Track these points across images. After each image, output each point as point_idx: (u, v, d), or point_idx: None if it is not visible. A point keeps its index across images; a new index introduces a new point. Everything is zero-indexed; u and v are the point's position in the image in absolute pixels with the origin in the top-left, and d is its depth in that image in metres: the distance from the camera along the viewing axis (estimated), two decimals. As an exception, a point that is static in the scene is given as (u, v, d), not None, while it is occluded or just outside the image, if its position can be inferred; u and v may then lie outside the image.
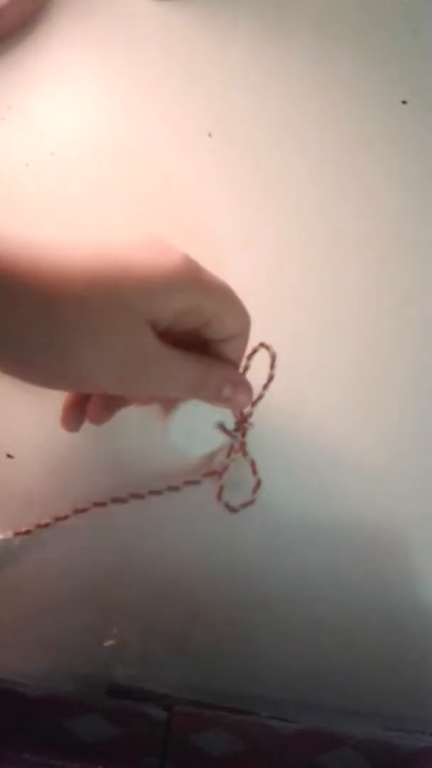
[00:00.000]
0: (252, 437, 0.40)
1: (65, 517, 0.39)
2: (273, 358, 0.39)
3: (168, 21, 0.46)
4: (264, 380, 0.39)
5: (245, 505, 0.39)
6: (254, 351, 0.39)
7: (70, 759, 0.32)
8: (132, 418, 0.41)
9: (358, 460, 0.41)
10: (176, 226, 0.43)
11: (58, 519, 0.39)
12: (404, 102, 0.45)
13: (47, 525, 0.39)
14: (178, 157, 0.44)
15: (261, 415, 0.41)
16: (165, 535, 0.40)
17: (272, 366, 0.39)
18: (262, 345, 0.39)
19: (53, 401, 0.41)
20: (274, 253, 0.43)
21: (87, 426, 0.41)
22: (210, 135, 0.44)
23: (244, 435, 0.39)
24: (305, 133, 0.45)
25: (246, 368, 0.39)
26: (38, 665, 0.37)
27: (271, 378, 0.39)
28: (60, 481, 0.40)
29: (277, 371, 0.41)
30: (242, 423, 0.39)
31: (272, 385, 0.40)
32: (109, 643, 0.37)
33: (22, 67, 0.45)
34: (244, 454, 0.39)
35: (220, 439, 0.39)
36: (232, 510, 0.39)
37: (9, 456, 0.41)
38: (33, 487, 0.40)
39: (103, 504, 0.39)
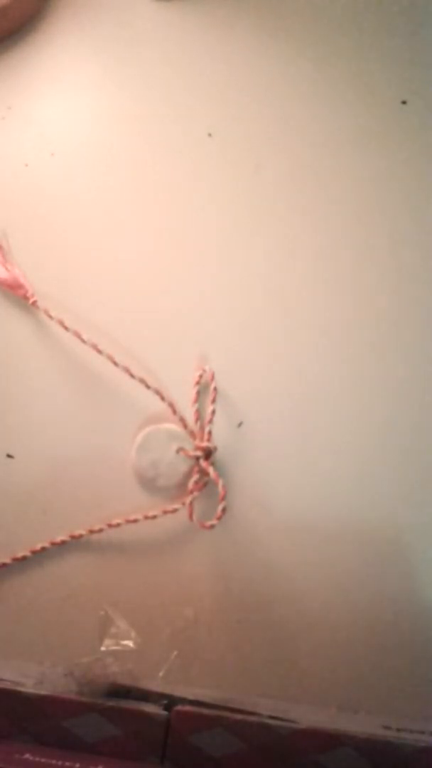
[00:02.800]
0: (249, 443, 0.41)
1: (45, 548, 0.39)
2: (212, 377, 0.41)
3: (168, 21, 0.46)
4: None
5: (211, 526, 0.39)
6: (200, 376, 0.41)
7: (70, 759, 0.31)
8: (132, 420, 0.41)
9: (358, 461, 0.41)
10: (176, 226, 0.43)
11: (53, 543, 0.39)
12: (404, 102, 0.45)
13: (43, 549, 0.39)
14: (178, 157, 0.44)
15: (259, 416, 0.41)
16: (166, 538, 0.40)
17: (212, 381, 0.41)
18: (201, 370, 0.41)
19: (53, 401, 0.41)
20: (273, 252, 0.43)
21: (87, 426, 0.41)
22: (210, 135, 0.44)
23: (208, 458, 0.39)
24: (305, 133, 0.45)
25: (197, 394, 0.40)
26: (38, 665, 0.37)
27: (215, 392, 0.40)
28: (60, 481, 0.40)
29: (283, 373, 0.41)
30: (204, 448, 0.39)
31: (272, 390, 0.40)
32: (109, 643, 0.37)
33: (22, 67, 0.45)
34: (206, 475, 0.39)
35: (184, 466, 0.40)
36: (208, 528, 0.39)
37: (9, 456, 0.41)
38: (33, 487, 0.40)
39: (79, 536, 0.39)
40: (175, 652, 0.38)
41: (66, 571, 0.39)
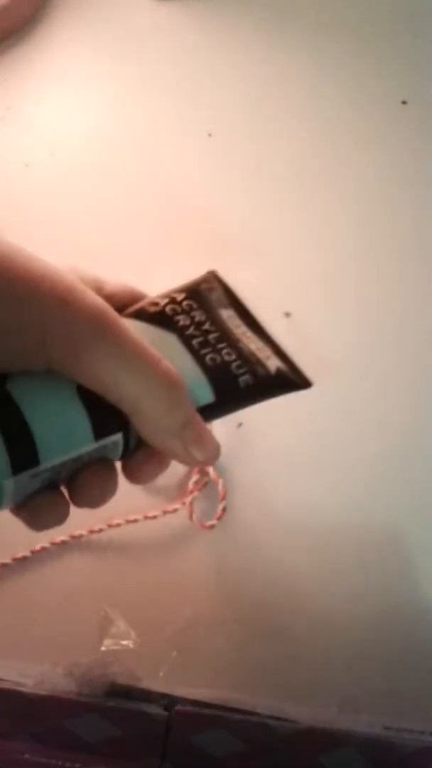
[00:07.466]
0: (249, 443, 0.40)
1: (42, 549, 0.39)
2: None
3: (168, 21, 0.46)
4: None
5: (211, 526, 0.39)
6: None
7: (70, 759, 0.32)
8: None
9: (358, 461, 0.41)
10: (176, 226, 0.43)
11: (53, 543, 0.39)
12: (404, 102, 0.45)
13: (43, 549, 0.39)
14: (178, 157, 0.44)
15: (259, 417, 0.41)
16: (166, 538, 0.40)
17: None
18: None
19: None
20: (274, 252, 0.43)
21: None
22: (210, 135, 0.44)
23: None
24: (305, 132, 0.45)
25: None
26: (38, 665, 0.37)
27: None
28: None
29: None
30: None
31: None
32: (109, 643, 0.37)
33: (22, 67, 0.45)
34: (206, 475, 0.39)
35: (184, 466, 0.39)
36: (208, 528, 0.39)
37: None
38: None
39: (79, 536, 0.39)
40: (175, 652, 0.38)
41: (66, 571, 0.39)
